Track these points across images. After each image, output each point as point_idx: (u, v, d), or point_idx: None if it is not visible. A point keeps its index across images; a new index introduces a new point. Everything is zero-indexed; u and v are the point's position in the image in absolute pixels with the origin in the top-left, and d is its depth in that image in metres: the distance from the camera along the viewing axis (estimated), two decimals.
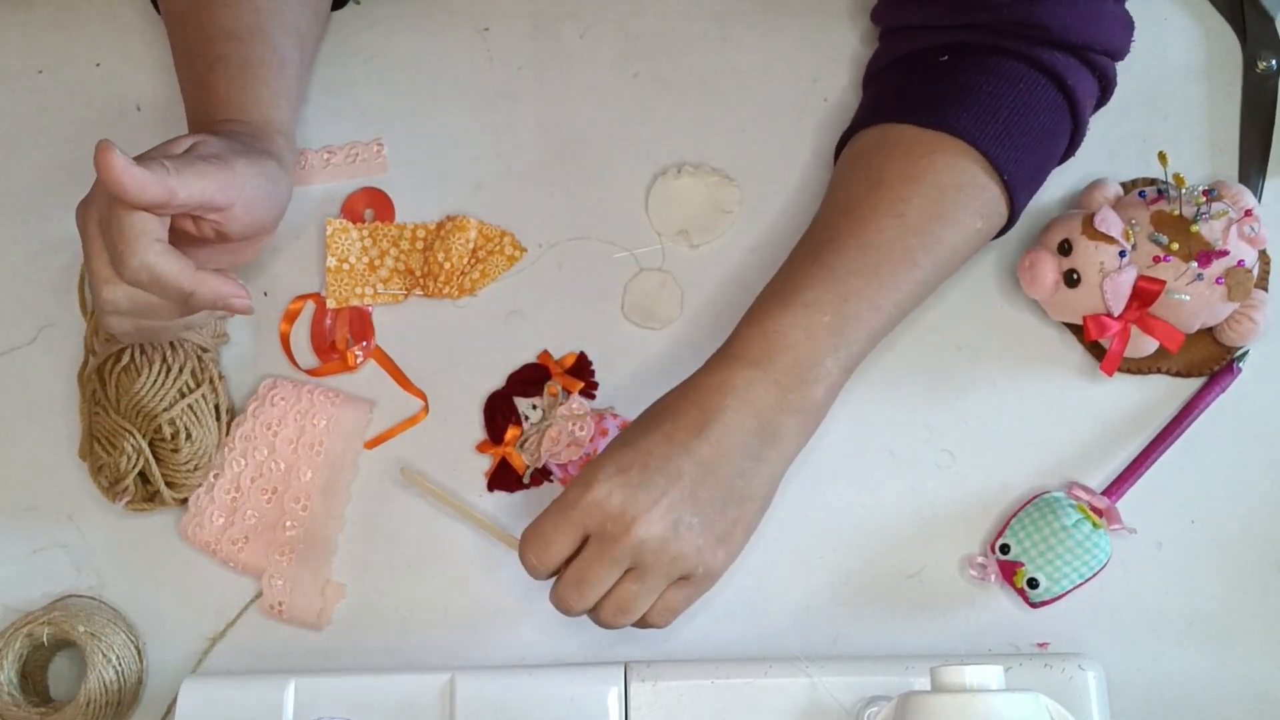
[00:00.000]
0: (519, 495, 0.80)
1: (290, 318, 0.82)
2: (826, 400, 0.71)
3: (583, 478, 0.68)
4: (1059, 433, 0.80)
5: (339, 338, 0.82)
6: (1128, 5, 0.76)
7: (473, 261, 0.82)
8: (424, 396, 0.81)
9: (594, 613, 0.69)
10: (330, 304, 0.82)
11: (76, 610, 0.77)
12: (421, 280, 0.82)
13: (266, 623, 0.78)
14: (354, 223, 0.83)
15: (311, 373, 0.82)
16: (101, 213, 0.66)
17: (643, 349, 0.82)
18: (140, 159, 0.65)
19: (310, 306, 0.83)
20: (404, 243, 0.83)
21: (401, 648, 0.78)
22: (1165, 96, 0.84)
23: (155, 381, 0.77)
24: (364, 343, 0.82)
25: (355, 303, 0.82)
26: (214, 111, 0.76)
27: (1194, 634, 0.77)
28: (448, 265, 0.81)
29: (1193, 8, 0.86)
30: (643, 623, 0.70)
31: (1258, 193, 0.82)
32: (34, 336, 0.83)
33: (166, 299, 0.67)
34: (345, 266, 0.82)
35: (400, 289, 0.83)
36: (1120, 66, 0.77)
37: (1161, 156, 0.78)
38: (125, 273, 0.65)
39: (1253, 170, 0.83)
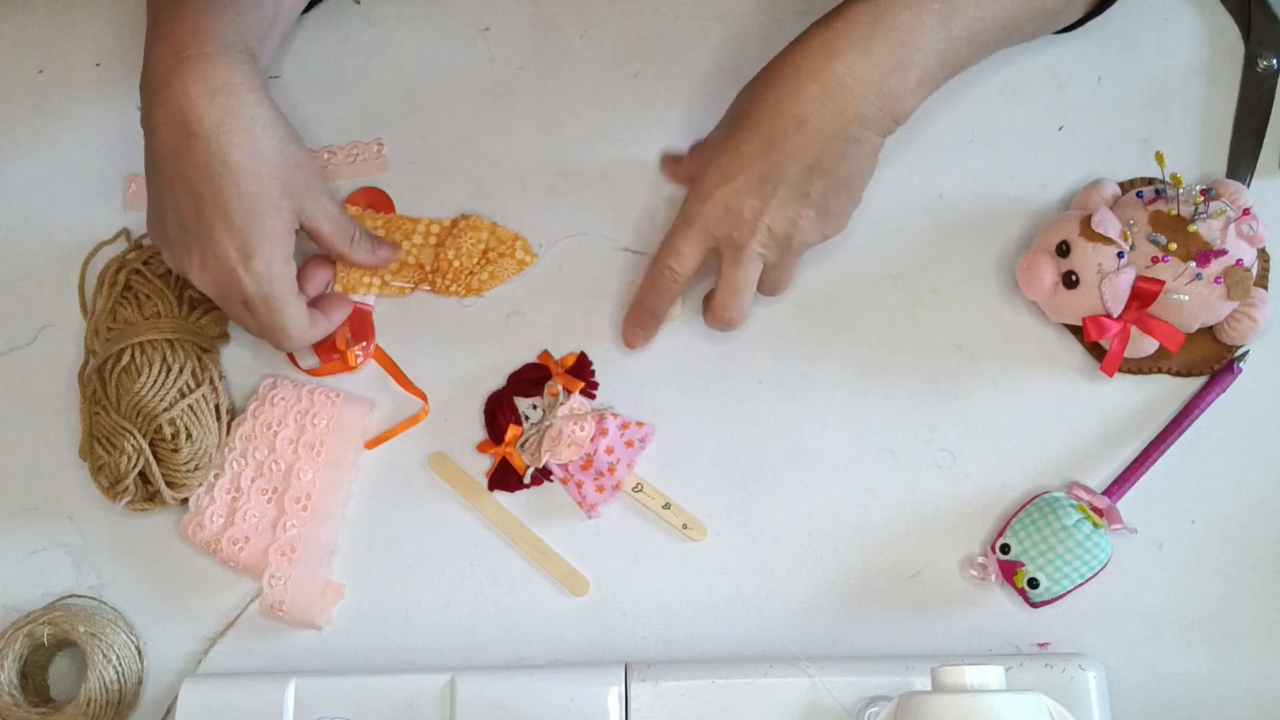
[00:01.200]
0: (519, 495, 0.80)
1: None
2: (919, 89, 0.73)
3: (697, 191, 0.73)
4: (1059, 433, 0.80)
5: (339, 337, 0.82)
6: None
7: (482, 262, 0.82)
8: (424, 396, 0.81)
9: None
10: (337, 290, 0.82)
11: (77, 610, 0.77)
12: (430, 276, 0.82)
13: (267, 623, 0.78)
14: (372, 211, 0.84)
15: (312, 373, 0.82)
16: (249, 304, 0.75)
17: (643, 349, 0.81)
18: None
19: None
20: (416, 236, 0.83)
21: (402, 648, 0.78)
22: (1165, 95, 0.84)
23: (155, 381, 0.77)
24: (364, 343, 0.82)
25: (362, 292, 0.82)
26: (184, 36, 0.74)
27: (1194, 634, 0.77)
28: (457, 264, 0.81)
29: (1200, 3, 0.86)
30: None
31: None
32: (34, 337, 0.83)
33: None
34: None
35: (408, 282, 0.82)
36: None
37: (1158, 157, 0.78)
38: (279, 346, 0.77)
39: (1241, 167, 0.83)
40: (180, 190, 0.73)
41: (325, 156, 0.85)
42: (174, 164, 0.73)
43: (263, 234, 0.73)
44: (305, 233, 0.77)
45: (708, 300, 0.77)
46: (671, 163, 0.82)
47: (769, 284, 0.76)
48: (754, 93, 0.74)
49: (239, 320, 0.76)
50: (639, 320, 0.79)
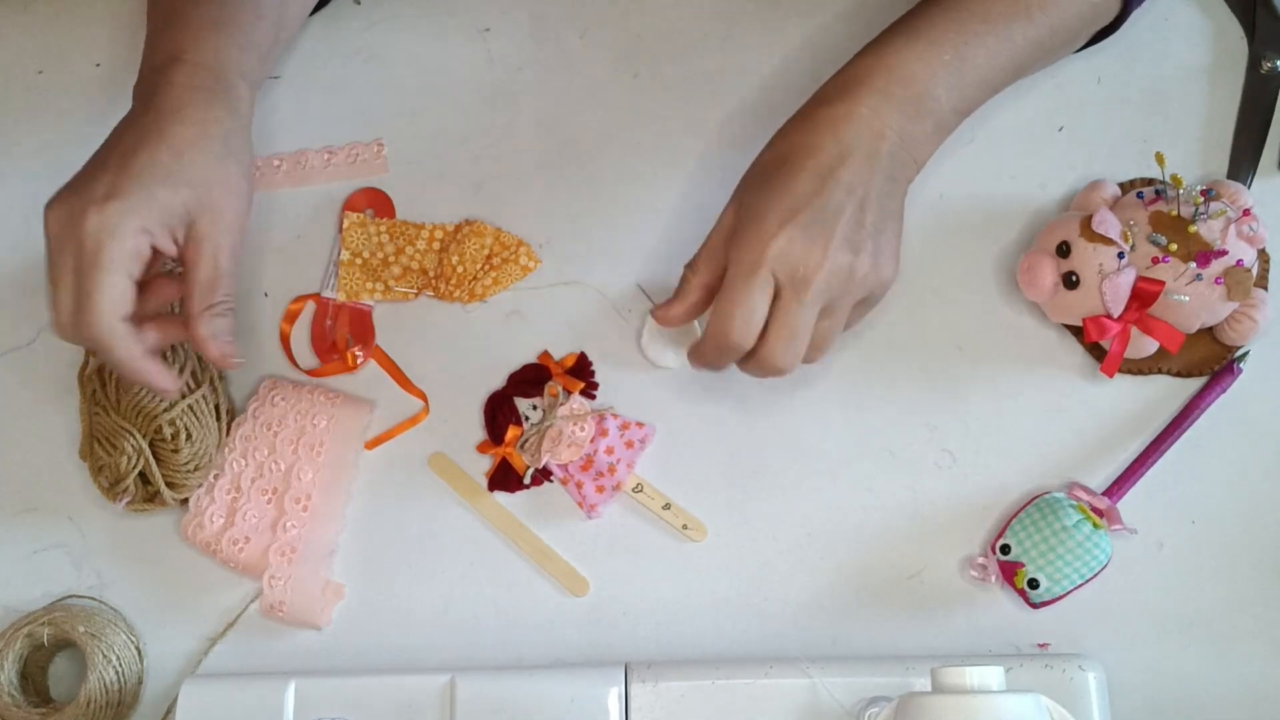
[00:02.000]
0: (519, 496, 0.80)
1: (290, 318, 0.82)
2: (935, 135, 0.75)
3: (750, 239, 0.70)
4: (1059, 433, 0.80)
5: (339, 338, 0.82)
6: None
7: (486, 268, 0.82)
8: (424, 396, 0.81)
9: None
10: (340, 297, 0.82)
11: (77, 611, 0.77)
12: (433, 281, 0.82)
13: (267, 623, 0.78)
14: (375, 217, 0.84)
15: (312, 373, 0.82)
16: (77, 252, 0.68)
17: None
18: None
19: (311, 307, 0.83)
20: (420, 242, 0.83)
21: (402, 648, 0.78)
22: (1166, 96, 0.84)
23: None
24: (364, 343, 0.82)
25: (365, 298, 0.82)
26: (184, 43, 0.74)
27: (1195, 634, 0.77)
28: (460, 269, 0.81)
29: (1203, 4, 0.86)
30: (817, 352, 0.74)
31: None
32: (34, 337, 0.83)
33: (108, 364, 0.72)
34: (359, 261, 0.82)
35: (411, 288, 0.82)
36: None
37: (1159, 157, 0.78)
38: (76, 331, 0.69)
39: (1242, 168, 0.83)
40: (108, 142, 0.72)
41: (326, 157, 0.85)
42: (120, 128, 0.73)
43: (140, 190, 0.69)
44: (181, 256, 0.72)
45: (753, 351, 0.72)
46: (667, 306, 0.75)
47: (821, 334, 0.72)
48: (783, 143, 0.73)
49: (56, 281, 0.69)
50: (706, 365, 0.74)
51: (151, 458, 0.77)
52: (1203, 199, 0.76)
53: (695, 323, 0.80)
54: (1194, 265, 0.75)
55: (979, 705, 0.61)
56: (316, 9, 0.86)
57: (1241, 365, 0.79)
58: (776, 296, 0.70)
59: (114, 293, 0.68)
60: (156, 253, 0.71)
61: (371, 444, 0.81)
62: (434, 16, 0.88)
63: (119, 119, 0.87)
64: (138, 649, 0.78)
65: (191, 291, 0.71)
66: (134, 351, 0.70)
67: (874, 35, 0.82)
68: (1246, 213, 0.77)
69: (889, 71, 0.73)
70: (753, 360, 0.72)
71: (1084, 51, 0.82)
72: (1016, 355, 0.81)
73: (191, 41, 0.74)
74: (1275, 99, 0.84)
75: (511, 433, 0.80)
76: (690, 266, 0.74)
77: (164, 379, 0.72)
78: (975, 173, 0.83)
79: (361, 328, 0.82)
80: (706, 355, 0.73)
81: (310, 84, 0.87)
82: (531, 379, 0.81)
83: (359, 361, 0.82)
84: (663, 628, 0.78)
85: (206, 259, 0.71)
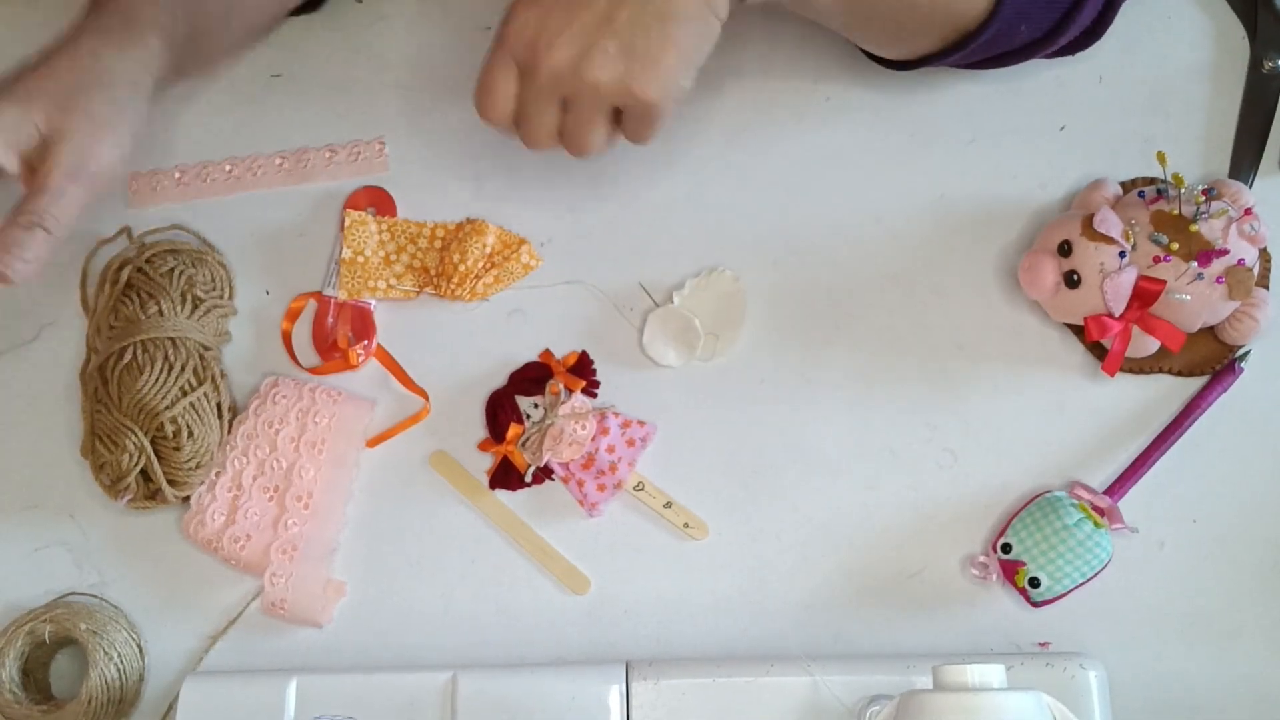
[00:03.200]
0: (520, 494, 0.80)
1: (292, 316, 0.82)
2: None
3: (505, 15, 0.67)
4: (1060, 432, 0.80)
5: (341, 336, 0.82)
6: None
7: (488, 266, 0.82)
8: (425, 395, 0.81)
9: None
10: (342, 295, 0.82)
11: (78, 608, 0.77)
12: (435, 280, 0.82)
13: (268, 621, 0.78)
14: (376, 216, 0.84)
15: (313, 371, 0.82)
16: None
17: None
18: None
19: (312, 305, 0.83)
20: (422, 240, 0.83)
21: (403, 646, 0.78)
22: (1168, 95, 0.84)
23: (157, 380, 0.77)
24: (366, 341, 0.82)
25: (367, 296, 0.82)
26: None
27: (1196, 633, 0.77)
28: (462, 268, 0.81)
29: (1204, 3, 0.86)
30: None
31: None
32: (36, 335, 0.83)
33: None
34: (360, 259, 0.82)
35: (413, 286, 0.83)
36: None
37: (1160, 156, 0.78)
38: None
39: (1244, 168, 0.83)
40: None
41: (327, 155, 0.85)
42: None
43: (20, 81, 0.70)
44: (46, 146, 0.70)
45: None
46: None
47: (569, 129, 0.69)
48: None
49: None
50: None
51: (153, 455, 0.77)
52: (1204, 198, 0.76)
53: (696, 321, 0.81)
54: (1195, 264, 0.75)
55: (980, 703, 0.61)
56: (306, 9, 0.86)
57: (1243, 364, 0.79)
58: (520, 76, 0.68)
59: None
60: None
61: (373, 442, 0.81)
62: (435, 15, 0.88)
63: None
64: (139, 646, 0.78)
65: (23, 201, 0.69)
66: None
67: None
68: (1248, 212, 0.77)
69: None
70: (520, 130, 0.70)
71: (1085, 51, 0.82)
72: (1018, 354, 0.81)
73: None
74: (1277, 98, 0.84)
75: (513, 431, 0.80)
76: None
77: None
78: (976, 172, 0.83)
79: (363, 326, 0.82)
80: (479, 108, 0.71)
81: (311, 82, 0.87)
82: (533, 377, 0.81)
83: (361, 360, 0.82)
84: (664, 626, 0.78)
85: (41, 173, 0.69)
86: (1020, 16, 0.73)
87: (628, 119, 0.69)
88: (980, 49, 0.74)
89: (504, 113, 0.69)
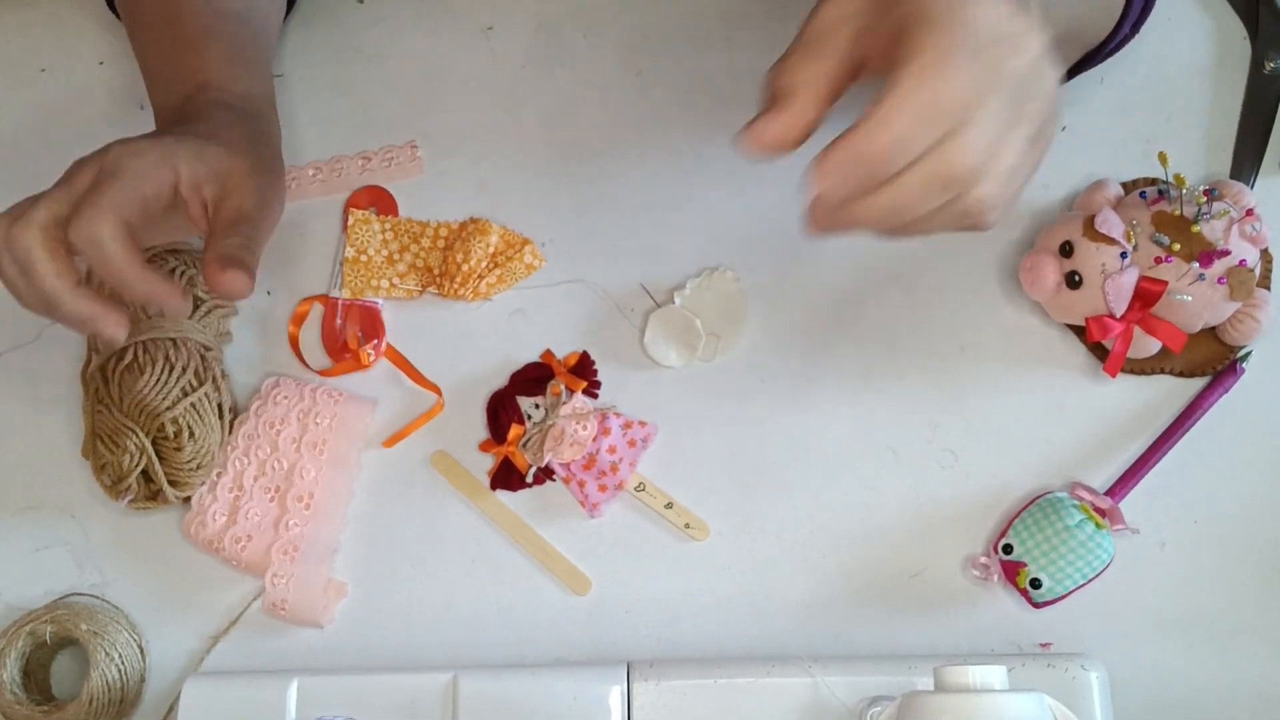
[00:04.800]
0: (521, 494, 0.80)
1: (298, 320, 0.82)
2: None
3: (938, 8, 0.52)
4: (1062, 433, 0.80)
5: (350, 337, 0.82)
6: None
7: (491, 266, 0.82)
8: (439, 390, 0.81)
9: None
10: (345, 294, 0.82)
11: (79, 609, 0.77)
12: (438, 279, 0.82)
13: (269, 621, 0.78)
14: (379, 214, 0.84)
15: (324, 373, 0.82)
16: (97, 167, 0.65)
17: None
18: (226, 275, 0.65)
19: (318, 308, 0.83)
20: (425, 240, 0.83)
21: (404, 646, 0.78)
22: (1169, 95, 0.84)
23: (158, 380, 0.77)
24: (375, 341, 0.82)
25: (370, 295, 0.82)
26: (205, 76, 0.75)
27: (1197, 634, 0.77)
28: (465, 267, 0.81)
29: (1206, 3, 0.86)
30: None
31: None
32: (37, 335, 0.83)
33: (102, 275, 0.65)
34: (363, 258, 0.82)
35: (416, 285, 0.83)
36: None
37: (1162, 157, 0.78)
38: (75, 231, 0.63)
39: (1246, 168, 0.83)
40: None
41: (360, 163, 0.85)
42: None
43: (174, 138, 0.68)
44: (222, 188, 0.69)
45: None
46: (763, 121, 0.57)
47: (1019, 149, 0.55)
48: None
49: (58, 192, 0.66)
50: (834, 164, 0.54)
51: (154, 456, 0.77)
52: (1205, 199, 0.76)
53: (697, 322, 0.80)
54: (1197, 265, 0.75)
55: (981, 704, 0.61)
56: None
57: (1244, 365, 0.79)
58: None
59: (126, 195, 0.64)
60: (174, 205, 0.68)
61: (390, 441, 0.80)
62: (436, 16, 0.88)
63: (122, 117, 0.88)
64: (140, 647, 0.78)
65: (213, 228, 0.68)
66: (135, 258, 0.64)
67: None
68: (1249, 212, 0.77)
69: None
70: (918, 169, 0.53)
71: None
72: (1019, 355, 0.81)
73: (214, 76, 0.75)
74: (1278, 99, 0.84)
75: (514, 431, 0.80)
76: (780, 68, 0.56)
77: (168, 288, 0.66)
78: None
79: (372, 325, 0.82)
80: (848, 156, 0.53)
81: (312, 83, 0.87)
82: (534, 378, 0.81)
83: (372, 359, 0.81)
84: (665, 626, 0.78)
85: (231, 203, 0.68)
86: (1131, 23, 0.74)
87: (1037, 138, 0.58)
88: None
89: (943, 131, 0.53)
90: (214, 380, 0.79)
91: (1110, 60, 0.84)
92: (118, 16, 0.84)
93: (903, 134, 0.52)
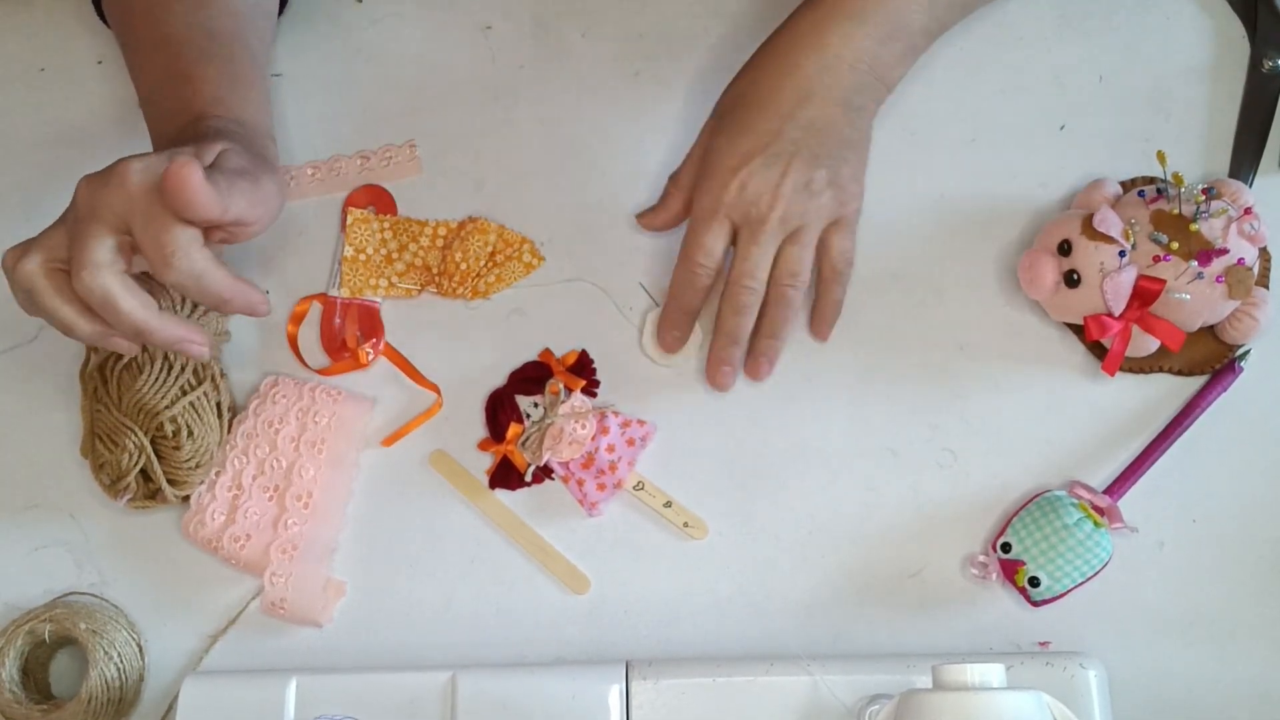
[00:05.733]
0: (520, 493, 0.80)
1: (297, 320, 0.82)
2: (905, 58, 0.75)
3: (709, 185, 0.74)
4: (1060, 432, 0.80)
5: (349, 336, 0.82)
6: None
7: (490, 265, 0.82)
8: (438, 389, 0.81)
9: (771, 295, 0.76)
10: (344, 293, 0.82)
11: (78, 608, 0.77)
12: (436, 278, 0.82)
13: (268, 620, 0.78)
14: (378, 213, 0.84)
15: (323, 372, 0.82)
16: (132, 210, 0.66)
17: (675, 354, 0.81)
18: (175, 161, 0.64)
19: (317, 308, 0.83)
20: (424, 239, 0.83)
21: (403, 646, 0.78)
22: (1168, 94, 0.84)
23: (157, 379, 0.77)
24: (374, 340, 0.82)
25: (369, 294, 0.82)
26: (202, 105, 0.75)
27: (1196, 633, 0.77)
28: (464, 266, 0.81)
29: (1204, 3, 0.86)
30: (828, 296, 0.78)
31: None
32: (35, 334, 0.83)
33: (202, 301, 0.68)
34: (362, 257, 0.82)
35: (414, 284, 0.83)
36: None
37: (1160, 156, 0.78)
38: (170, 275, 0.66)
39: (1244, 167, 0.83)
40: None
41: (359, 162, 0.85)
42: None
43: (176, 146, 0.69)
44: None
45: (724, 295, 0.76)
46: (650, 214, 0.81)
47: (792, 261, 0.75)
48: (749, 78, 0.75)
49: (86, 231, 0.66)
50: (674, 322, 0.79)
51: (153, 455, 0.77)
52: (1204, 197, 0.76)
53: (696, 323, 0.81)
54: (1195, 264, 0.75)
55: (980, 703, 0.61)
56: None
57: (1242, 364, 0.79)
58: (735, 236, 0.75)
59: (193, 230, 0.66)
60: None
61: (389, 440, 0.80)
62: (435, 15, 0.88)
63: (121, 117, 0.87)
64: (139, 646, 0.78)
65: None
66: (228, 274, 0.68)
67: None
68: (1248, 211, 0.77)
69: None
70: (725, 300, 0.76)
71: (1085, 50, 0.82)
72: (1018, 354, 0.81)
73: (209, 106, 0.75)
74: (1276, 98, 0.84)
75: (513, 430, 0.80)
76: (673, 179, 0.79)
77: (259, 294, 0.70)
78: (976, 171, 0.83)
79: (370, 325, 0.82)
80: (675, 297, 0.77)
81: (311, 82, 0.87)
82: (533, 377, 0.81)
83: (370, 358, 0.81)
84: (664, 625, 0.78)
85: (248, 233, 0.70)
86: None
87: (835, 236, 0.76)
88: None
89: (716, 264, 0.75)
90: (213, 379, 0.79)
91: (1110, 59, 0.84)
92: (108, 25, 0.84)
93: (693, 276, 0.76)
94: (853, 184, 0.75)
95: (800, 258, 0.75)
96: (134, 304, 0.66)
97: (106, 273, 0.66)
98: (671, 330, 0.79)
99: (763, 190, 0.73)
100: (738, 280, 0.75)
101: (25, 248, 0.68)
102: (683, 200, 0.78)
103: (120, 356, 0.77)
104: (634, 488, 0.79)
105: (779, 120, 0.73)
